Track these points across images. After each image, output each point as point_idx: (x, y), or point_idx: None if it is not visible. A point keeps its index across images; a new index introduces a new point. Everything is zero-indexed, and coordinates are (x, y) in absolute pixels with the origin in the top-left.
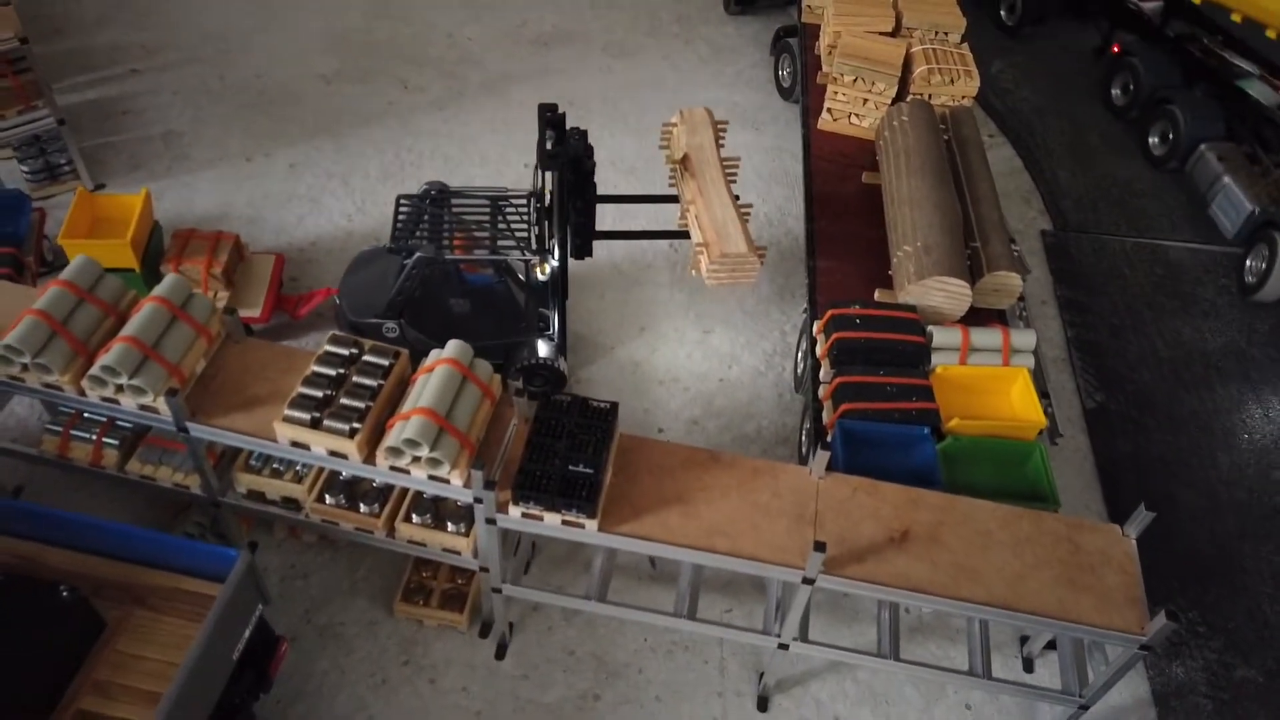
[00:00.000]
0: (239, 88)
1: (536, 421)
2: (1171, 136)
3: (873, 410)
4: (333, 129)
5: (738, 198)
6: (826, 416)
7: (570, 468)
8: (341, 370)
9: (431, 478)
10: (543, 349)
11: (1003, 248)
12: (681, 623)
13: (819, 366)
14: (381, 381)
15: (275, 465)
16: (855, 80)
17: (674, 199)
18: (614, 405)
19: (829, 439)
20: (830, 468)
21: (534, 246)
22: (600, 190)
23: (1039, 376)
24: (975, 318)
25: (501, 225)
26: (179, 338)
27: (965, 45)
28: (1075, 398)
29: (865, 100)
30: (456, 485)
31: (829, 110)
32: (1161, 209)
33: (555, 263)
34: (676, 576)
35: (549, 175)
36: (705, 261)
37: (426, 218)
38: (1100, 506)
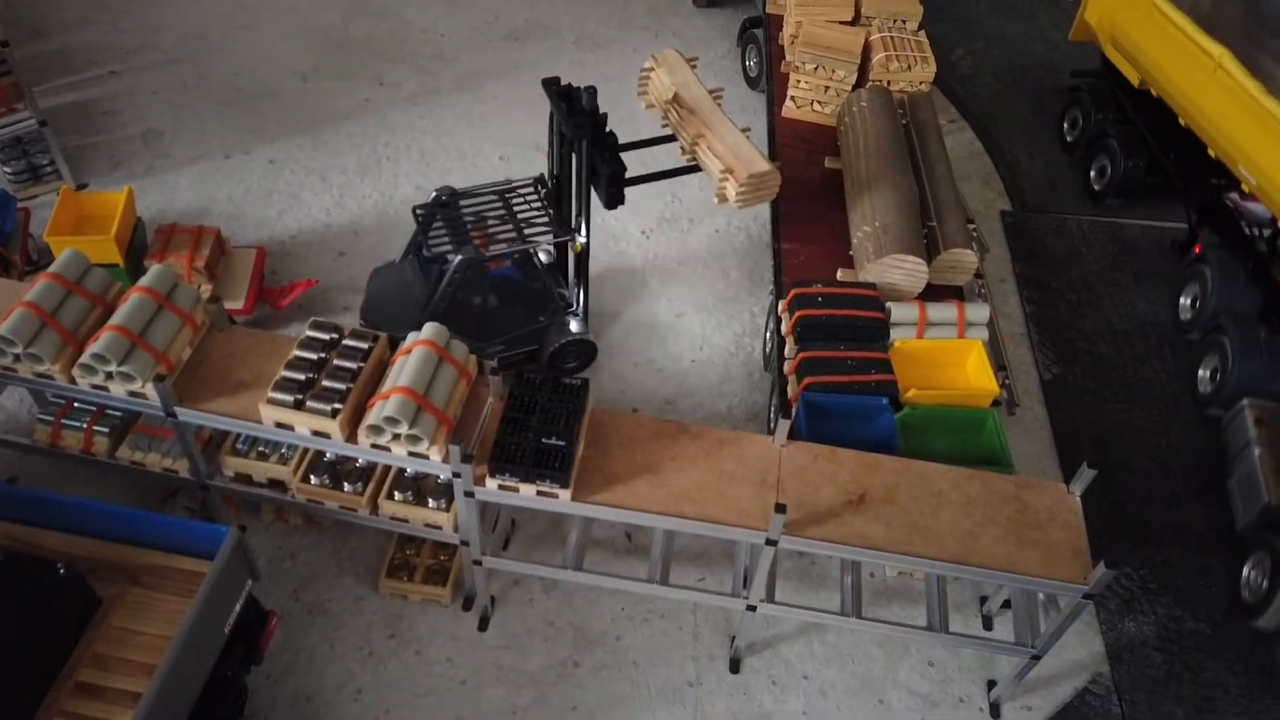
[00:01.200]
0: (217, 86)
1: (511, 398)
2: (1220, 375)
3: (834, 383)
4: (310, 125)
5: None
6: (791, 390)
7: (544, 441)
8: (323, 354)
9: (411, 454)
10: (574, 325)
11: (958, 226)
12: (655, 589)
13: (784, 344)
14: (361, 364)
15: (261, 448)
16: (816, 69)
17: (668, 139)
18: (585, 381)
19: (793, 412)
20: (794, 438)
21: (563, 227)
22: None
23: (997, 350)
24: (934, 295)
25: (523, 214)
26: (165, 326)
27: (922, 32)
28: (1033, 370)
29: (827, 88)
30: (435, 460)
31: (792, 98)
32: None
33: (584, 238)
34: (650, 548)
35: (556, 155)
36: (733, 186)
37: (447, 222)
38: (1057, 474)
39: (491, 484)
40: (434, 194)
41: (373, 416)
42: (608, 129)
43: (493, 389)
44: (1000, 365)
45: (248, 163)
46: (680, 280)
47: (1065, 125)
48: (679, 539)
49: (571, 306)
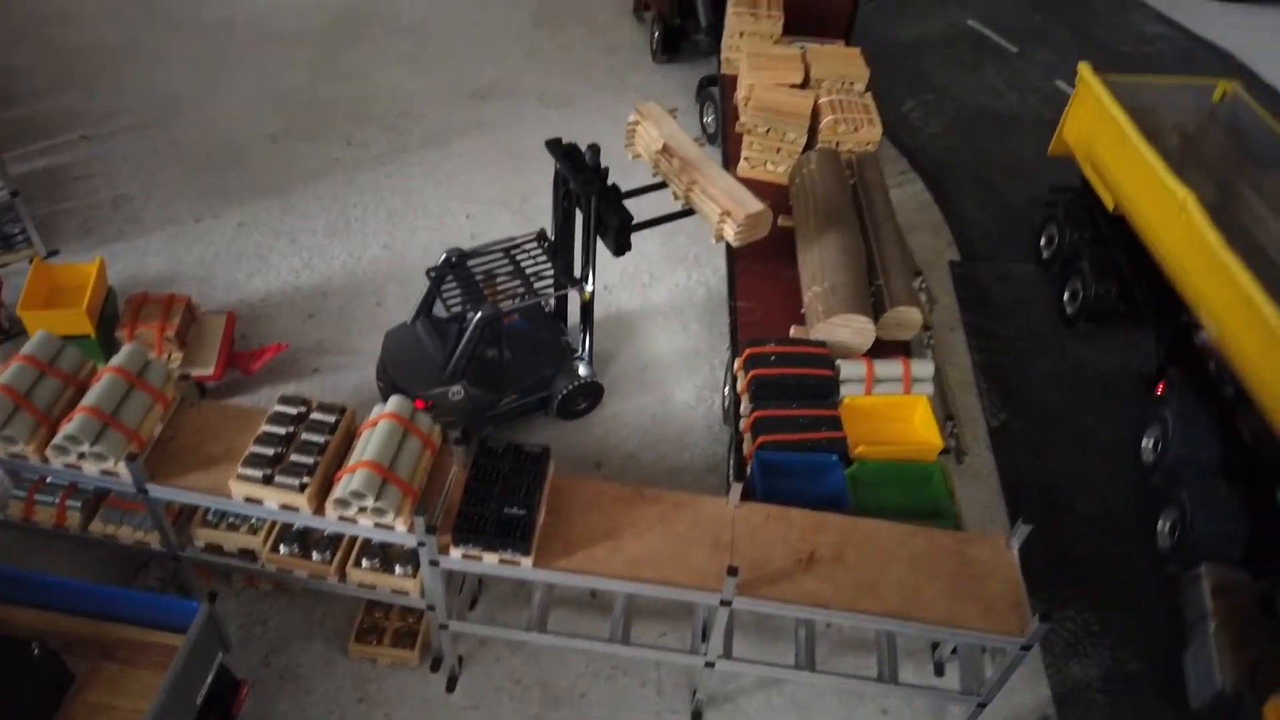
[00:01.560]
0: (187, 150)
1: (474, 468)
2: (1178, 532)
3: (787, 441)
4: (280, 187)
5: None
6: (746, 447)
7: (505, 510)
8: (291, 428)
9: (378, 525)
10: (581, 370)
11: (904, 284)
12: (617, 648)
13: (740, 401)
14: (329, 437)
15: (231, 519)
16: (768, 131)
17: (660, 186)
18: (545, 449)
19: (748, 470)
20: (750, 495)
21: (571, 277)
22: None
23: (945, 400)
24: (882, 350)
25: (529, 268)
26: (137, 404)
27: (869, 95)
28: (981, 418)
29: (779, 149)
30: (401, 531)
31: (746, 158)
32: None
33: (590, 288)
34: (613, 605)
35: (559, 209)
36: (731, 226)
37: (460, 282)
38: (1005, 520)
39: (456, 553)
40: (444, 256)
41: (340, 490)
42: (609, 182)
43: (457, 458)
44: (948, 414)
45: (217, 226)
46: (641, 335)
47: (1042, 241)
48: (641, 596)
49: (578, 352)
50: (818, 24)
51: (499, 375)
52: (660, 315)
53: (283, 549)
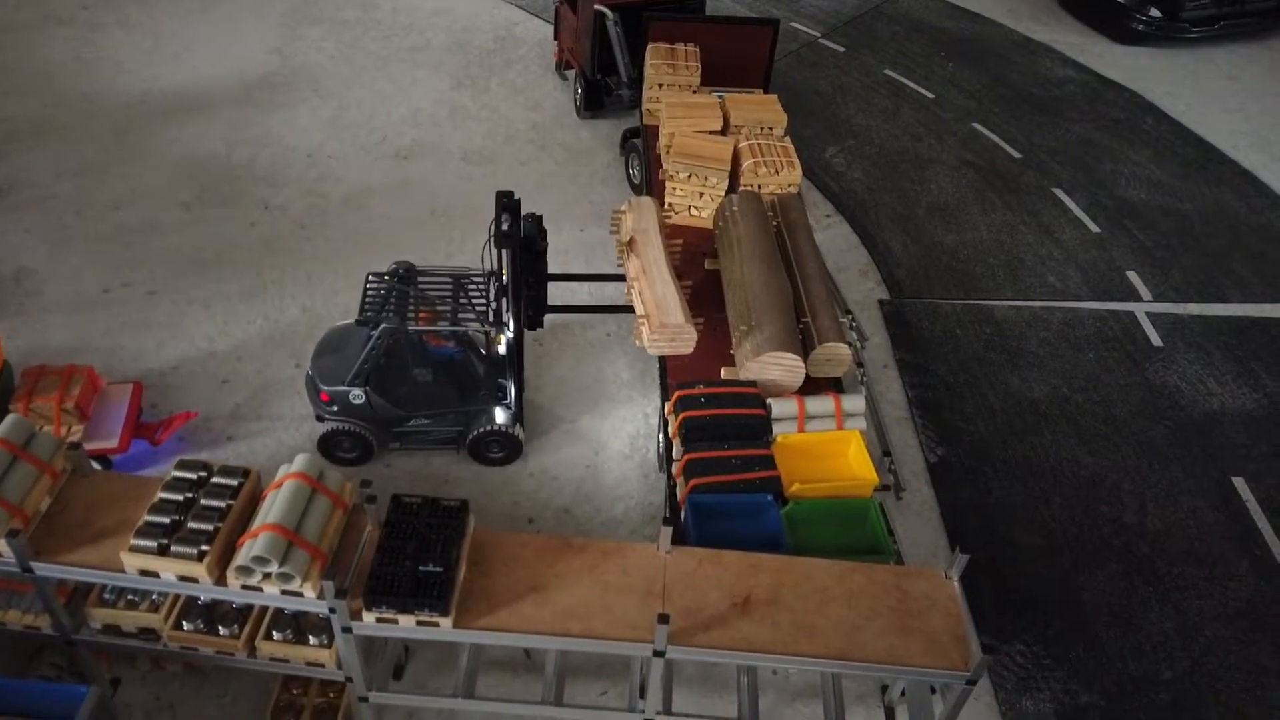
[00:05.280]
0: (96, 220)
1: (387, 525)
2: None
3: (720, 483)
4: (193, 254)
5: (680, 277)
6: (680, 492)
7: (421, 568)
8: (190, 494)
9: (285, 593)
10: (499, 416)
11: (831, 320)
12: (550, 710)
13: (673, 445)
14: (230, 502)
15: (130, 596)
16: (690, 176)
17: (615, 277)
18: (464, 503)
19: (682, 514)
20: (684, 541)
21: (491, 319)
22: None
23: (881, 436)
24: (815, 388)
25: (463, 300)
26: (20, 477)
27: (788, 139)
28: (919, 453)
29: (701, 194)
30: (310, 598)
31: (670, 204)
32: (985, 271)
33: (510, 334)
34: (546, 665)
35: (505, 254)
36: (647, 331)
37: (393, 294)
38: (947, 553)
39: (369, 617)
40: (391, 265)
41: (241, 557)
42: (544, 258)
43: (371, 517)
44: (885, 450)
45: (126, 296)
46: (572, 385)
47: None
48: (577, 653)
49: (506, 399)
50: (735, 75)
51: (409, 393)
52: (592, 364)
53: (186, 625)
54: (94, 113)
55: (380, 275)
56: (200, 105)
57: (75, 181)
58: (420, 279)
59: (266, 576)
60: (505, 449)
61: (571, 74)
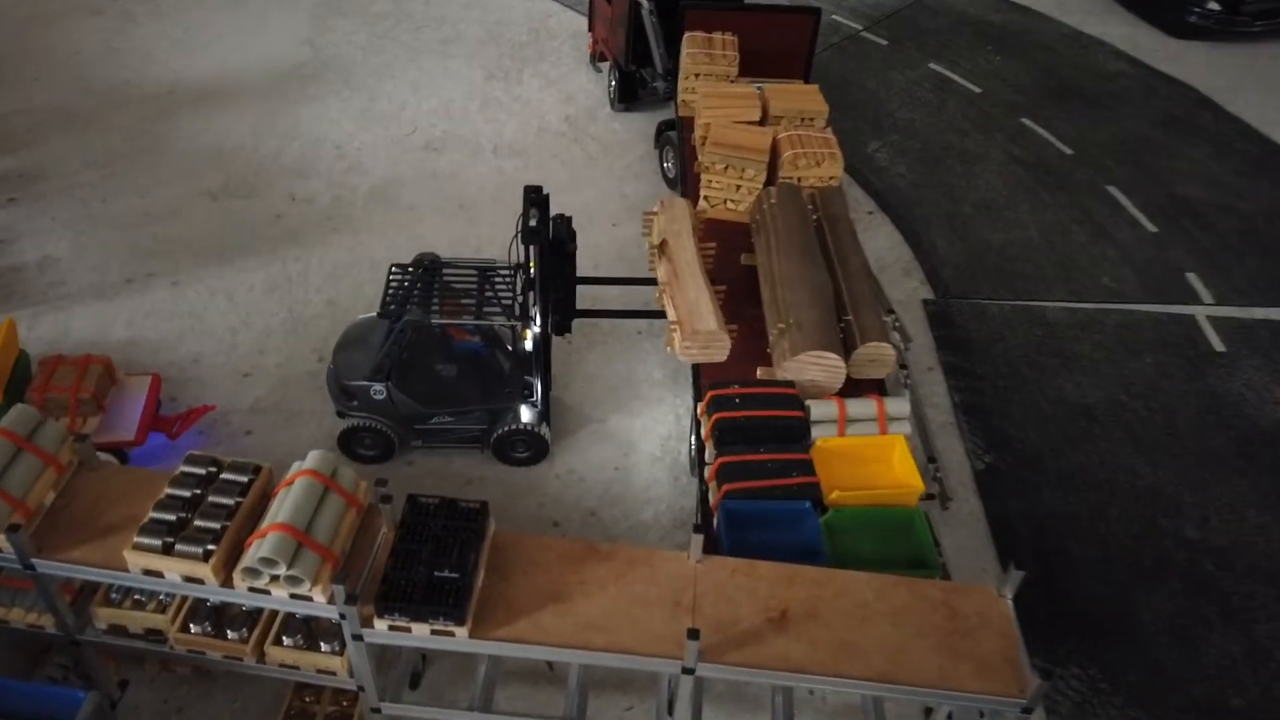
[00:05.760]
0: (121, 211)
1: (402, 528)
2: None
3: (755, 488)
4: (218, 245)
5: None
6: (712, 497)
7: (436, 573)
8: (198, 490)
9: (294, 597)
10: (525, 415)
11: (874, 319)
12: None
13: (705, 448)
14: (240, 499)
15: (137, 596)
16: (727, 168)
17: (647, 280)
18: (483, 505)
19: (714, 521)
20: (716, 550)
21: (517, 314)
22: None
23: (926, 442)
24: (856, 389)
25: (489, 294)
26: (24, 470)
27: (829, 129)
28: (965, 461)
29: (738, 186)
30: (320, 602)
31: (705, 198)
32: (1036, 271)
33: (537, 329)
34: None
35: (532, 250)
36: (679, 338)
37: (416, 286)
38: (996, 569)
39: (381, 625)
40: (416, 256)
41: (248, 558)
42: (573, 261)
43: (386, 518)
44: (930, 457)
45: (149, 286)
46: (601, 383)
47: None
48: (599, 665)
49: (532, 396)
50: (774, 66)
51: (432, 389)
52: (621, 361)
53: (193, 628)
54: (122, 102)
55: (404, 267)
56: (229, 96)
57: (102, 171)
58: (445, 271)
59: (274, 579)
60: (531, 449)
61: (606, 66)
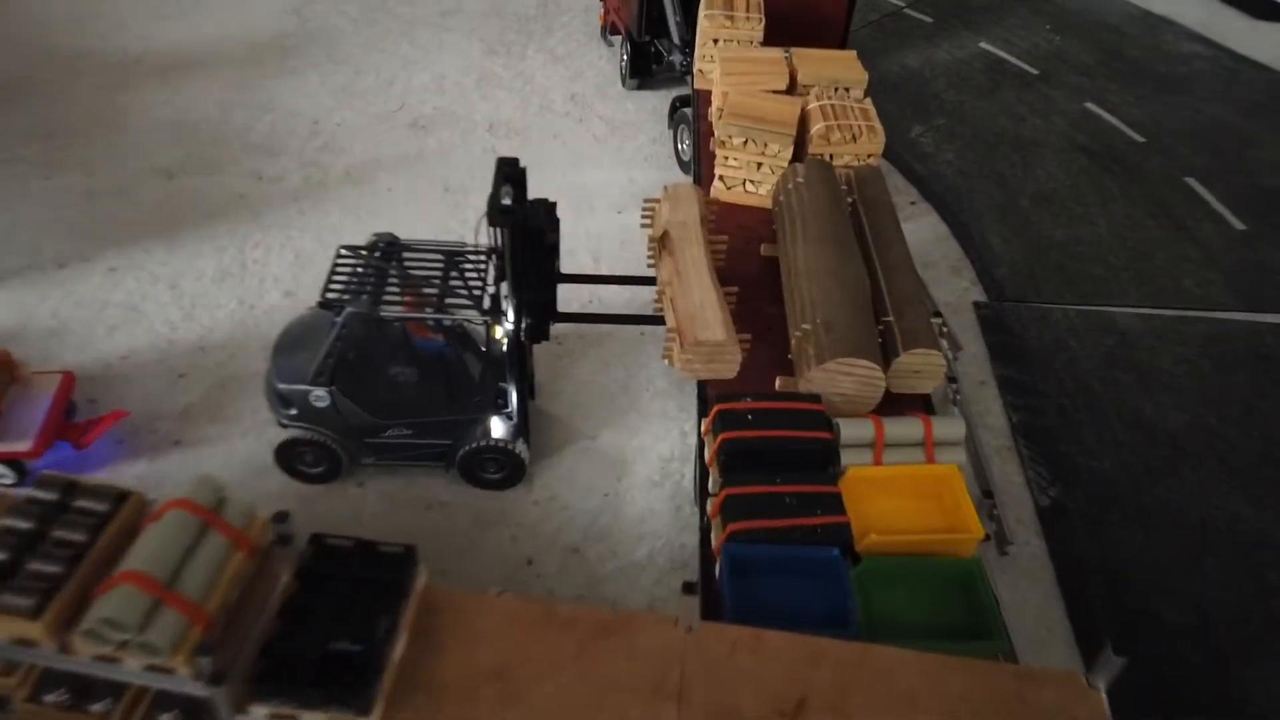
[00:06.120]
0: (62, 188)
1: (299, 578)
2: None
3: (768, 529)
4: (167, 227)
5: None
6: (715, 538)
7: (334, 645)
8: (40, 524)
9: (151, 668)
10: (497, 429)
11: (921, 322)
12: None
13: (709, 475)
14: (91, 536)
15: None
16: (746, 142)
17: (651, 280)
18: (410, 550)
19: (716, 570)
20: (717, 606)
21: (486, 307)
22: None
23: (980, 471)
24: (895, 407)
25: (457, 283)
26: None
27: (868, 100)
28: (1026, 494)
29: (759, 164)
30: (184, 676)
31: (721, 178)
32: (1106, 272)
33: (509, 325)
34: None
35: (504, 235)
36: (678, 349)
37: (375, 272)
38: (1065, 630)
39: (259, 711)
40: (371, 237)
41: (89, 617)
42: (554, 255)
43: (290, 563)
44: (985, 490)
45: (84, 271)
46: (594, 391)
47: None
48: None
49: (506, 406)
50: (806, 37)
51: (386, 395)
52: (619, 367)
53: (46, 697)
54: (81, 71)
55: (355, 249)
56: (200, 67)
57: (46, 144)
58: (405, 255)
59: (123, 645)
60: (504, 469)
61: (618, 40)
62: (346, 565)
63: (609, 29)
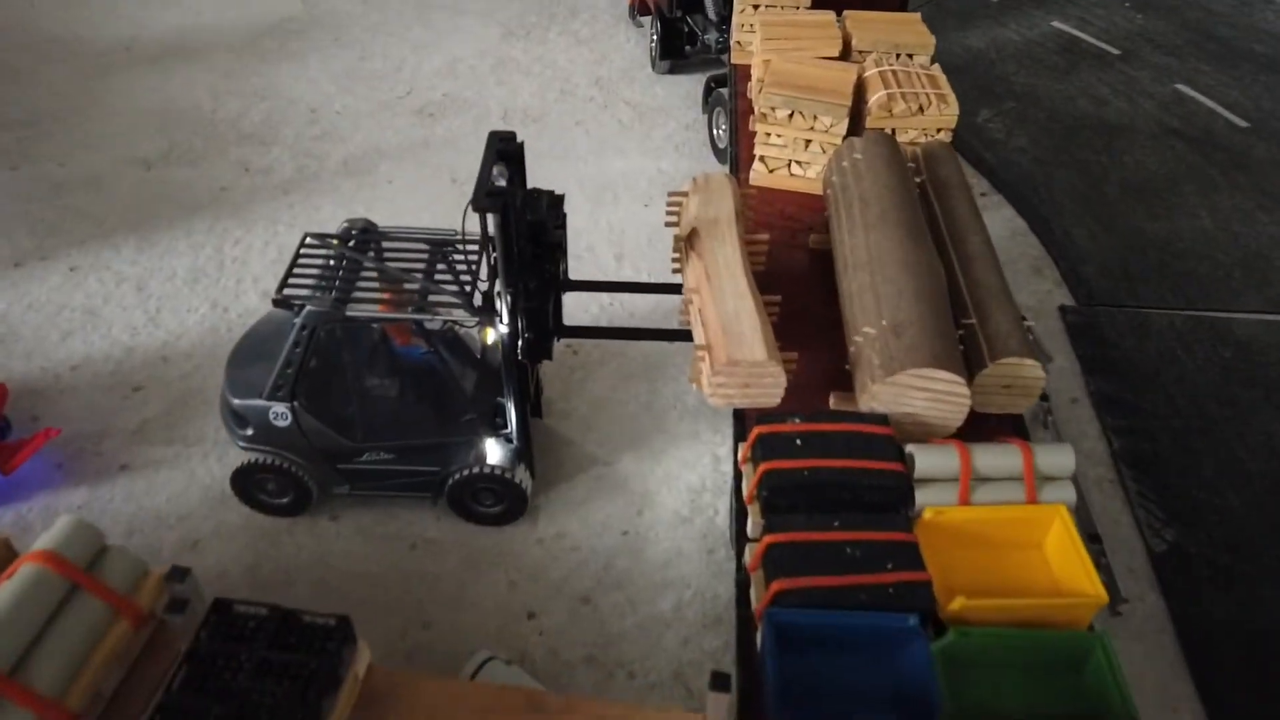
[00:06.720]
0: (31, 179)
1: (190, 660)
2: None
3: (825, 588)
4: (141, 222)
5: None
6: (755, 599)
7: None
8: None
9: None
10: (494, 453)
11: (1011, 323)
12: None
13: (746, 514)
14: None
15: None
16: (792, 115)
17: (676, 288)
18: (344, 622)
19: (758, 638)
20: (758, 687)
21: (476, 305)
22: None
23: (1083, 513)
24: (980, 429)
25: (445, 278)
26: None
27: (936, 66)
28: (1136, 537)
29: (807, 142)
30: None
31: (762, 159)
32: (1214, 271)
33: (504, 328)
34: None
35: (492, 220)
36: (707, 371)
37: (340, 264)
38: (1195, 711)
39: None
40: (343, 224)
41: None
42: (559, 255)
43: (186, 635)
44: (1091, 534)
45: (42, 270)
46: (612, 409)
47: None
48: None
49: (504, 426)
50: (858, 5)
51: (360, 413)
52: (642, 380)
53: None
54: (63, 57)
55: (324, 238)
56: (194, 52)
57: (19, 133)
58: (384, 245)
59: None
60: (503, 500)
61: (647, 21)
62: (250, 644)
63: (638, 9)
